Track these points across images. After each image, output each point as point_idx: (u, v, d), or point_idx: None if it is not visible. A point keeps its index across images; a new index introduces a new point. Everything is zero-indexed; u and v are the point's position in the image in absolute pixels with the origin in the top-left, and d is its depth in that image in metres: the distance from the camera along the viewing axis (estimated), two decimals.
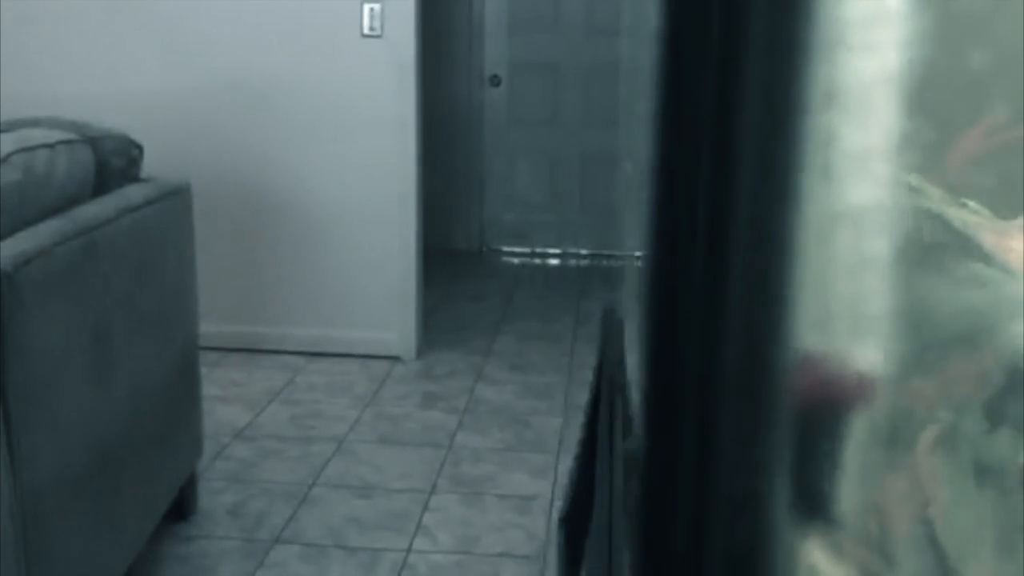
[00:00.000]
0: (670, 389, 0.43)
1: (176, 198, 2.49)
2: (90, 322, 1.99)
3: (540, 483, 2.96)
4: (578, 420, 3.37)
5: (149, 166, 2.53)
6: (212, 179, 3.79)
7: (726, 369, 0.42)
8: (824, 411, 0.44)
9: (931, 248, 0.40)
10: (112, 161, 2.29)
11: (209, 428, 2.90)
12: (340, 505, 2.81)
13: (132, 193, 2.30)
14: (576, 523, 1.39)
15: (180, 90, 3.86)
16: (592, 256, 5.73)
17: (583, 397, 3.62)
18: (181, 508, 2.66)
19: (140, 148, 2.44)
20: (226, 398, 3.51)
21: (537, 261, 5.74)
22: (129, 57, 3.86)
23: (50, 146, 2.01)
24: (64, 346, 1.89)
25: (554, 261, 5.76)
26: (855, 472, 0.42)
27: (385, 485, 2.94)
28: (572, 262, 5.72)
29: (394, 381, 3.77)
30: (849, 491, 0.43)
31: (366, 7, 3.77)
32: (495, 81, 5.69)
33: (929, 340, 0.40)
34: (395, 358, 3.97)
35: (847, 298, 0.44)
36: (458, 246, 5.79)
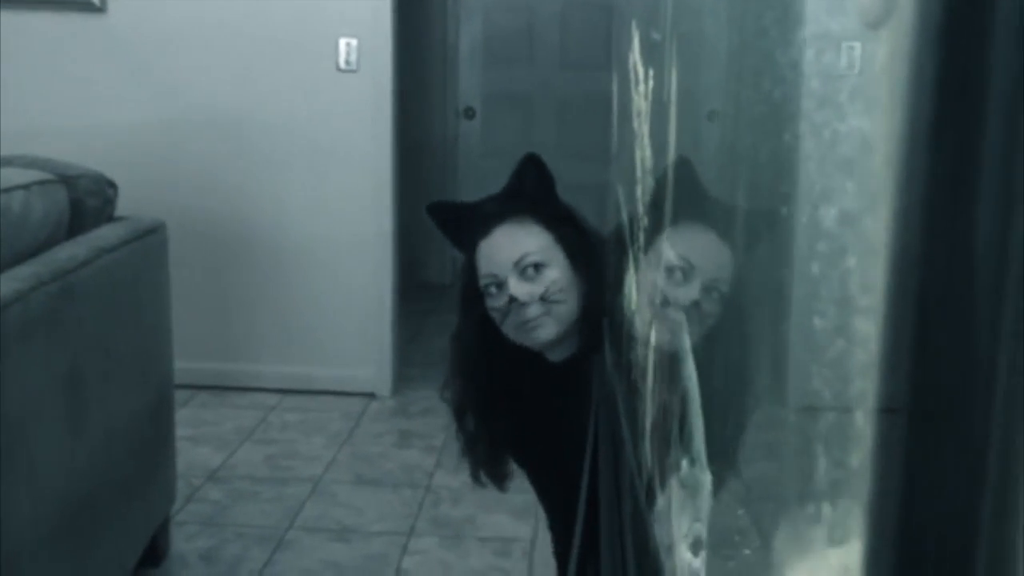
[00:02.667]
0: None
1: (151, 238, 2.44)
2: (66, 366, 1.94)
3: (521, 525, 2.91)
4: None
5: (121, 202, 2.47)
6: (184, 215, 3.73)
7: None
8: None
9: None
10: (87, 201, 2.24)
11: (181, 469, 2.83)
12: (317, 549, 2.75)
13: (107, 233, 2.25)
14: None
15: (153, 125, 3.81)
16: None
17: None
18: (154, 554, 2.58)
19: (115, 187, 2.39)
20: (197, 438, 3.44)
21: None
22: (101, 91, 3.80)
23: (25, 187, 1.96)
24: (41, 391, 1.84)
25: None
26: None
27: (363, 528, 2.88)
28: None
29: (369, 419, 3.72)
30: None
31: (342, 41, 3.75)
32: (469, 113, 5.67)
33: None
34: (370, 395, 3.92)
35: None
36: (430, 279, 5.74)
